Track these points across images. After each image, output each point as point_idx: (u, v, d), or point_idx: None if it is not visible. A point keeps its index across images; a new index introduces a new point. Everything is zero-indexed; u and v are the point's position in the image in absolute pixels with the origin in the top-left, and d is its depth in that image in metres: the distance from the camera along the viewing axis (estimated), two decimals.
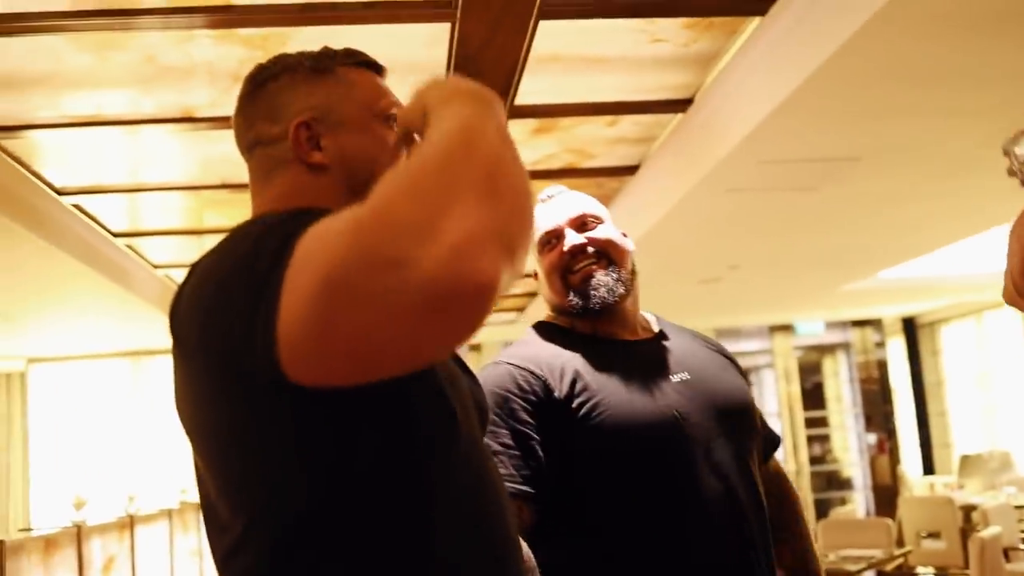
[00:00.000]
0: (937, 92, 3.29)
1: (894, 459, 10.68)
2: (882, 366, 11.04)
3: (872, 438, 10.83)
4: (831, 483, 10.96)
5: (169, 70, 3.24)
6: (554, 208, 1.69)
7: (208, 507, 0.99)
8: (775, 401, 10.73)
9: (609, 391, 1.54)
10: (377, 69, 1.15)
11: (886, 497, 10.16)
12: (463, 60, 3.13)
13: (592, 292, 1.62)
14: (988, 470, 8.26)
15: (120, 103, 3.54)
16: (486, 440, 1.49)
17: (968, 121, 3.65)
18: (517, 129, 3.93)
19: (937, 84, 3.21)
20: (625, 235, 1.72)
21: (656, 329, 1.73)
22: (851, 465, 11.07)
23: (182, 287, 0.97)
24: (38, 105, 3.49)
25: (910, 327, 11.09)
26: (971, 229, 5.85)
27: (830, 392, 11.40)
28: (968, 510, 6.64)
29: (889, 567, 5.34)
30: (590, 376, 1.55)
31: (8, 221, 4.09)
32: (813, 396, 11.22)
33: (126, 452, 8.62)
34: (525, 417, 1.52)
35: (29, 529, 7.36)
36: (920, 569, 6.45)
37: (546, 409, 1.52)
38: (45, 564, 4.57)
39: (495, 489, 1.05)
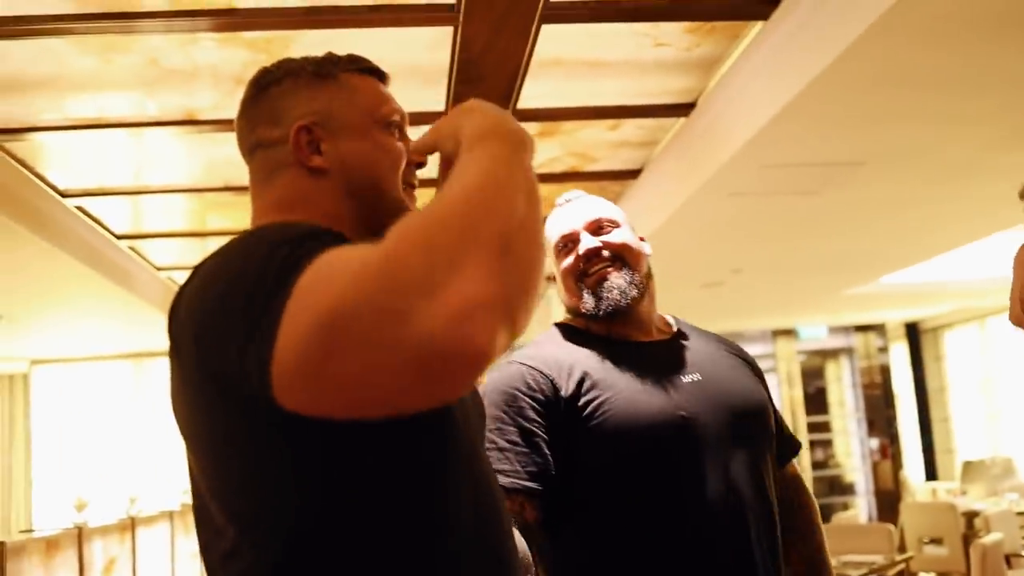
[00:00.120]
0: (939, 97, 3.30)
1: (896, 464, 10.67)
2: (885, 371, 11.03)
3: (875, 443, 10.82)
4: (833, 488, 10.94)
5: (173, 73, 3.25)
6: (571, 212, 1.71)
7: (201, 507, 0.99)
8: (778, 405, 10.70)
9: (616, 391, 1.55)
10: (380, 76, 1.15)
11: (888, 502, 10.15)
12: (466, 64, 3.14)
13: (605, 295, 1.63)
14: (991, 476, 8.24)
15: (123, 106, 3.55)
16: (493, 437, 1.51)
17: (969, 126, 3.65)
18: None
19: (939, 89, 3.21)
20: (642, 239, 1.73)
21: (674, 331, 1.74)
22: (853, 470, 11.06)
23: (183, 289, 0.97)
24: (42, 107, 3.50)
25: (913, 332, 11.08)
26: (973, 234, 5.85)
27: (833, 397, 11.39)
28: (970, 516, 6.62)
29: (891, 573, 5.32)
30: (599, 376, 1.56)
31: (11, 223, 4.10)
32: (816, 401, 11.21)
33: (128, 454, 8.63)
34: (533, 415, 1.53)
35: (31, 530, 7.37)
36: (922, 575, 6.43)
37: (553, 408, 1.54)
38: (46, 566, 4.57)
39: (494, 500, 1.05)
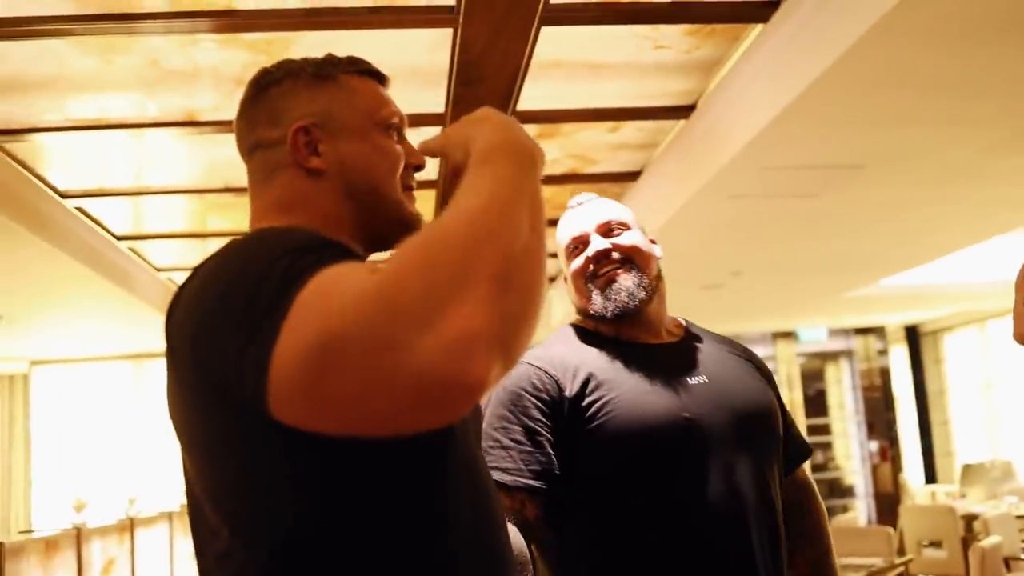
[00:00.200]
0: (939, 100, 3.30)
1: (896, 467, 10.67)
2: (885, 374, 11.03)
3: (874, 446, 10.82)
4: (833, 491, 10.94)
5: (173, 74, 3.25)
6: (582, 214, 1.73)
7: (196, 507, 0.99)
8: None
9: (620, 392, 1.56)
10: (380, 78, 1.15)
11: (888, 505, 10.15)
12: (465, 65, 3.14)
13: (613, 296, 1.64)
14: (990, 479, 8.24)
15: (124, 106, 3.55)
16: (498, 435, 1.53)
17: (969, 129, 3.65)
18: None
19: (939, 92, 3.21)
20: (653, 241, 1.74)
21: (684, 333, 1.75)
22: (853, 473, 11.06)
23: (181, 290, 0.97)
24: (42, 108, 3.50)
25: (913, 335, 11.08)
26: (973, 237, 5.85)
27: (832, 399, 11.39)
28: (969, 519, 6.61)
29: (890, 575, 5.32)
30: (604, 377, 1.57)
31: (12, 223, 4.10)
32: (815, 403, 11.22)
33: (127, 455, 8.63)
34: (537, 415, 1.55)
35: (30, 531, 7.37)
36: None
37: (558, 408, 1.56)
38: (44, 566, 4.57)
39: (489, 500, 1.05)
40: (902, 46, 2.79)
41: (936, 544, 6.49)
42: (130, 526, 5.68)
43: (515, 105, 3.53)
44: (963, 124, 3.58)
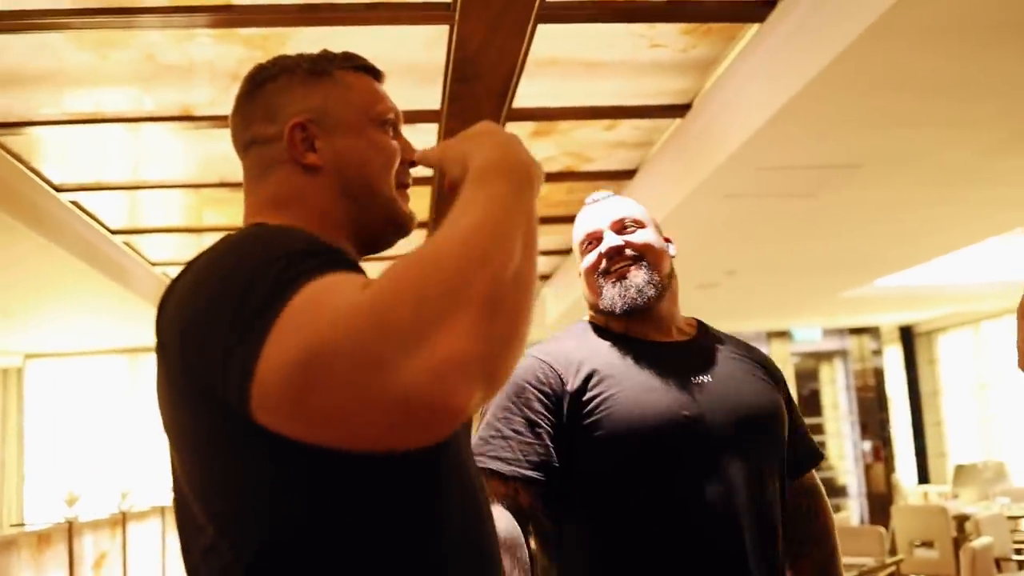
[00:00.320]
0: (935, 101, 3.30)
1: (889, 467, 10.69)
2: (879, 374, 11.05)
3: (867, 446, 10.84)
4: (826, 490, 10.92)
5: (169, 69, 3.24)
6: (597, 211, 1.75)
7: (183, 503, 0.99)
8: None
9: (621, 388, 1.57)
10: (375, 74, 1.15)
11: (880, 505, 10.17)
12: (461, 62, 3.14)
13: (623, 292, 1.66)
14: (982, 480, 8.26)
15: (120, 101, 3.55)
16: (498, 425, 1.55)
17: (966, 131, 3.65)
18: (515, 132, 3.94)
19: (935, 94, 3.22)
20: (668, 240, 1.76)
21: (695, 333, 1.76)
22: (846, 472, 11.08)
23: (174, 284, 0.97)
24: (38, 102, 3.50)
25: (907, 336, 11.10)
26: (968, 238, 5.86)
27: (826, 399, 11.41)
28: (961, 520, 6.63)
29: (881, 575, 5.33)
30: (607, 373, 1.59)
31: (6, 217, 4.09)
32: (809, 403, 11.23)
33: (121, 449, 8.62)
34: (539, 407, 1.57)
35: (22, 524, 7.36)
36: None
37: (559, 401, 1.58)
38: (36, 560, 4.57)
39: (477, 496, 1.05)
40: (899, 47, 2.79)
41: (928, 544, 6.50)
42: (122, 520, 5.68)
43: (511, 102, 3.53)
44: (960, 125, 3.59)
